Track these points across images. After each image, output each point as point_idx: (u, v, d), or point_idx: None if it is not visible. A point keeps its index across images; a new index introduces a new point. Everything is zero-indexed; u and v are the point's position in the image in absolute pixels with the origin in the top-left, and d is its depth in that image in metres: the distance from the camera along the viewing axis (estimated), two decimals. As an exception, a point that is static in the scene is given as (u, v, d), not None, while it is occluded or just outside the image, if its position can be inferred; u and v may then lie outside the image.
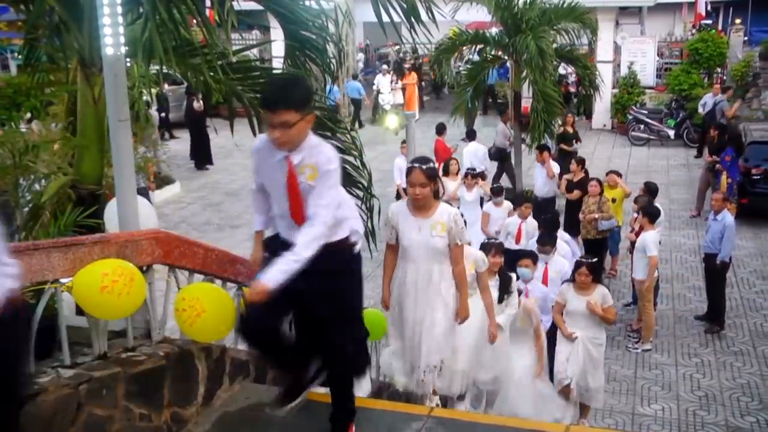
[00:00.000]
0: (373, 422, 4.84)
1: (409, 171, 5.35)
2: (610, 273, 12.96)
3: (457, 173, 13.56)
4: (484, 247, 7.51)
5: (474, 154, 15.53)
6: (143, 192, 13.01)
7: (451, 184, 12.89)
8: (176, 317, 4.79)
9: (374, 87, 27.41)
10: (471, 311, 5.78)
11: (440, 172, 15.34)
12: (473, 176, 13.00)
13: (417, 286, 5.45)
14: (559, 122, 17.35)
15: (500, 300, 6.97)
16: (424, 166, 5.26)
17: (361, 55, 35.43)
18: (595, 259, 8.36)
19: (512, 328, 7.30)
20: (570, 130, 17.69)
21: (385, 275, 5.68)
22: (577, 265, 8.26)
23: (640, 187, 12.37)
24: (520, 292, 7.70)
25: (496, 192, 12.49)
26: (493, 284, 6.91)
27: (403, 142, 15.05)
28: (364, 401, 5.22)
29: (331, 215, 4.03)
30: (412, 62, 31.07)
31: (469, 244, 6.28)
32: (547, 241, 9.58)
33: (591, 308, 7.96)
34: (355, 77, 27.47)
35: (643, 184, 12.28)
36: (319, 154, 4.04)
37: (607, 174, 13.19)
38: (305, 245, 3.91)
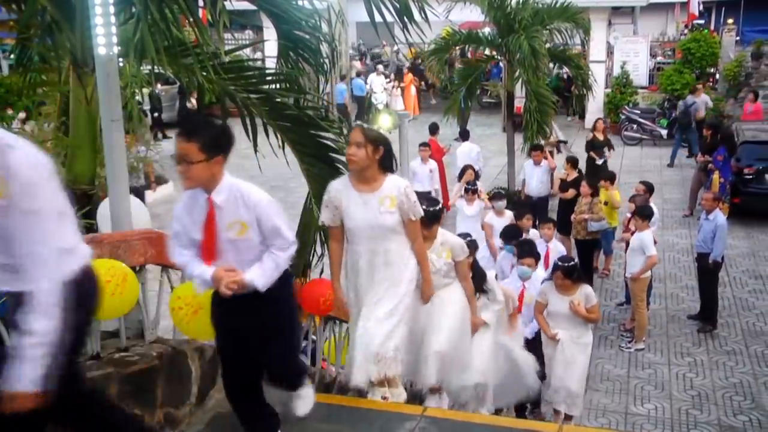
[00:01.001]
0: (367, 422, 4.84)
1: (351, 130, 5.10)
2: (603, 272, 12.99)
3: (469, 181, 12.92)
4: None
5: (467, 155, 15.55)
6: (138, 191, 13.00)
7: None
8: (172, 316, 4.78)
9: (367, 86, 27.41)
10: (448, 298, 5.60)
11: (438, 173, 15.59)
12: (473, 191, 12.42)
13: (374, 268, 4.91)
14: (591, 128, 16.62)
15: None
16: (366, 126, 4.82)
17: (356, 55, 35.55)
18: (572, 262, 8.00)
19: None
20: (600, 137, 16.40)
21: (334, 274, 5.13)
22: (554, 268, 8.03)
23: (634, 187, 12.37)
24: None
25: (495, 197, 11.91)
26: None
27: (422, 144, 14.98)
28: (359, 401, 5.22)
29: None
30: (410, 64, 31.05)
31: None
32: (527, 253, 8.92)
33: (574, 309, 7.75)
34: (358, 75, 27.52)
35: (640, 183, 12.28)
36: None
37: (601, 176, 13.17)
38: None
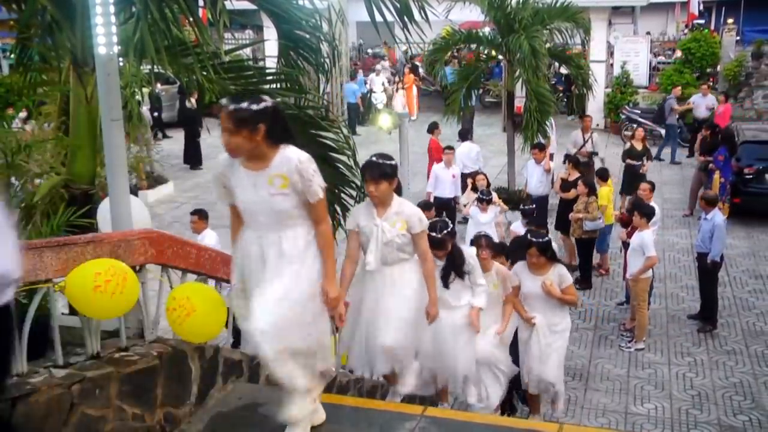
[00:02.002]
0: (367, 422, 4.84)
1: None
2: (601, 271, 13.00)
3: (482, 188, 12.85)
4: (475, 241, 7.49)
5: (467, 155, 15.54)
6: (133, 190, 13.00)
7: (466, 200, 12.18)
8: (167, 316, 4.78)
9: (367, 86, 27.40)
10: (401, 279, 5.11)
11: (435, 173, 15.56)
12: (488, 201, 12.07)
13: (265, 260, 4.16)
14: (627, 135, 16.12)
15: (446, 285, 6.38)
16: (232, 107, 3.92)
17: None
18: (546, 238, 7.58)
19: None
20: (638, 145, 15.67)
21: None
22: (527, 245, 7.52)
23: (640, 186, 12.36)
24: None
25: (526, 214, 11.58)
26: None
27: (447, 148, 14.78)
28: (359, 401, 5.22)
29: None
30: (410, 64, 31.02)
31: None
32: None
33: (546, 289, 7.35)
34: (352, 78, 27.53)
35: (644, 182, 12.28)
36: None
37: (596, 173, 13.18)
38: None
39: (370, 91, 27.17)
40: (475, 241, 7.57)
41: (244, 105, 3.92)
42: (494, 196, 12.65)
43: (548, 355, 7.53)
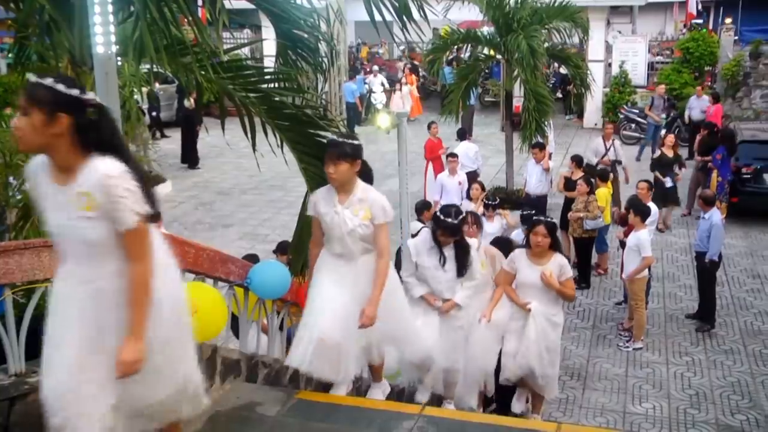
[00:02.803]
0: (365, 421, 4.84)
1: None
2: (599, 271, 13.01)
3: (480, 199, 12.28)
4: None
5: (465, 154, 15.54)
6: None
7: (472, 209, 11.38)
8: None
9: (366, 86, 27.40)
10: (364, 276, 4.83)
11: (428, 172, 15.56)
12: (494, 207, 11.70)
13: (78, 304, 3.25)
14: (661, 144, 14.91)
15: (460, 273, 6.29)
16: (33, 79, 3.11)
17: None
18: (553, 219, 7.20)
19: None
20: (669, 153, 14.87)
21: None
22: (534, 223, 7.00)
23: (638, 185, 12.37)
24: None
25: (526, 219, 10.58)
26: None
27: (451, 155, 14.49)
28: (357, 400, 5.22)
29: None
30: (410, 65, 31.03)
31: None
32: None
33: (546, 280, 6.86)
34: (351, 77, 27.55)
35: (642, 181, 12.28)
36: None
37: (596, 173, 13.18)
38: None
39: (370, 91, 27.15)
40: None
41: (47, 81, 3.07)
42: (508, 215, 12.25)
43: (547, 345, 7.01)
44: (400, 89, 26.22)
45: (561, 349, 10.19)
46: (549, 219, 7.09)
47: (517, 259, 7.06)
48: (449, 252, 6.26)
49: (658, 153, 15.13)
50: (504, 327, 7.04)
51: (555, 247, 7.02)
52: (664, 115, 20.91)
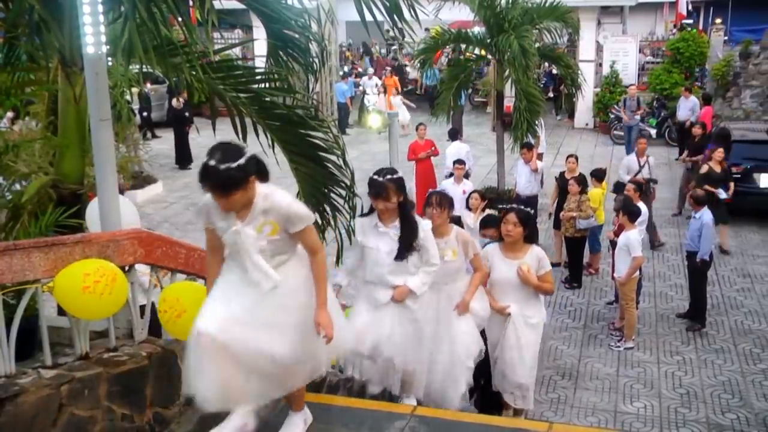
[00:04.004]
0: (357, 421, 4.84)
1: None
2: (590, 271, 13.04)
3: (479, 209, 11.42)
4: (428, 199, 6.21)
5: (456, 155, 15.53)
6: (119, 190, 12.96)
7: (471, 220, 10.92)
8: (159, 318, 4.77)
9: (360, 88, 27.38)
10: (283, 288, 3.96)
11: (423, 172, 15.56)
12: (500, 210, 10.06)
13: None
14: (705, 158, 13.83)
15: (400, 255, 5.37)
16: None
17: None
18: (529, 210, 6.54)
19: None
20: (717, 168, 13.78)
21: None
22: (505, 212, 6.48)
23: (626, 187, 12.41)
24: None
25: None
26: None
27: (457, 162, 14.54)
28: (349, 401, 5.22)
29: None
30: (393, 64, 31.10)
31: None
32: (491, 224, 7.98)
33: (523, 276, 6.37)
34: (344, 77, 27.58)
35: (629, 182, 12.32)
36: None
37: (591, 173, 13.18)
38: None
39: (363, 93, 27.12)
40: (426, 200, 6.31)
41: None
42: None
43: (523, 353, 6.57)
44: (384, 92, 26.23)
45: (552, 349, 10.31)
46: (521, 208, 6.51)
47: (490, 254, 6.52)
48: (395, 231, 5.41)
49: (705, 168, 13.75)
50: (485, 318, 6.40)
51: (530, 238, 6.49)
52: (637, 117, 20.98)
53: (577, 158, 13.60)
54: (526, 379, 6.73)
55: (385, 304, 5.53)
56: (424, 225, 5.49)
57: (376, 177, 5.31)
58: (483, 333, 6.52)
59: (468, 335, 6.16)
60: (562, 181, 13.27)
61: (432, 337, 5.90)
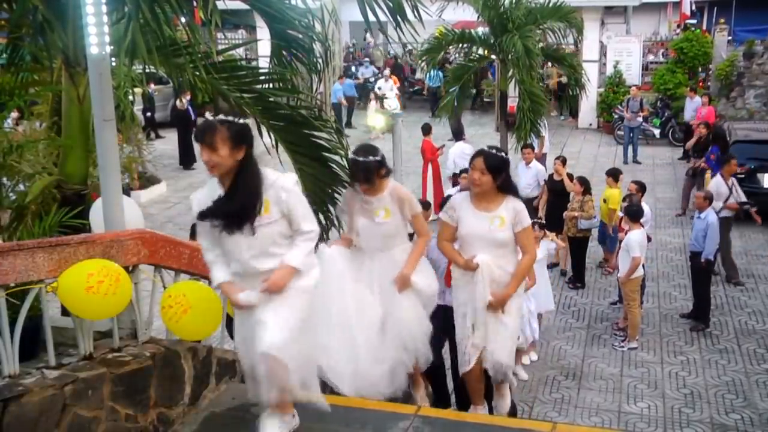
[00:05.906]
0: (360, 421, 4.84)
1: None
2: (608, 268, 13.01)
3: None
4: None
5: (460, 155, 15.51)
6: (124, 190, 12.99)
7: None
8: (162, 314, 4.77)
9: (377, 91, 27.22)
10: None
11: (427, 173, 15.55)
12: (540, 226, 10.12)
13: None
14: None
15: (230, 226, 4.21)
16: None
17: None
18: (503, 155, 5.35)
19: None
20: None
21: None
22: (475, 155, 5.36)
23: (628, 186, 12.39)
24: None
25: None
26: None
27: (463, 171, 14.51)
28: (352, 401, 5.21)
29: None
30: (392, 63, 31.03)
31: None
32: None
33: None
34: (341, 77, 27.46)
35: (632, 182, 12.30)
36: None
37: (607, 173, 13.07)
38: None
39: (383, 96, 26.89)
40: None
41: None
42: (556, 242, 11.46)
43: (501, 316, 5.39)
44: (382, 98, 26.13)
45: (555, 349, 10.31)
46: (495, 152, 5.33)
47: (458, 206, 5.45)
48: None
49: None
50: (431, 296, 5.52)
51: (505, 188, 5.38)
52: (639, 118, 20.97)
53: (564, 160, 13.58)
54: (505, 350, 5.45)
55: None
56: (285, 181, 4.21)
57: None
58: (449, 322, 5.66)
59: (410, 311, 5.30)
60: (551, 184, 13.32)
61: (363, 314, 5.10)
